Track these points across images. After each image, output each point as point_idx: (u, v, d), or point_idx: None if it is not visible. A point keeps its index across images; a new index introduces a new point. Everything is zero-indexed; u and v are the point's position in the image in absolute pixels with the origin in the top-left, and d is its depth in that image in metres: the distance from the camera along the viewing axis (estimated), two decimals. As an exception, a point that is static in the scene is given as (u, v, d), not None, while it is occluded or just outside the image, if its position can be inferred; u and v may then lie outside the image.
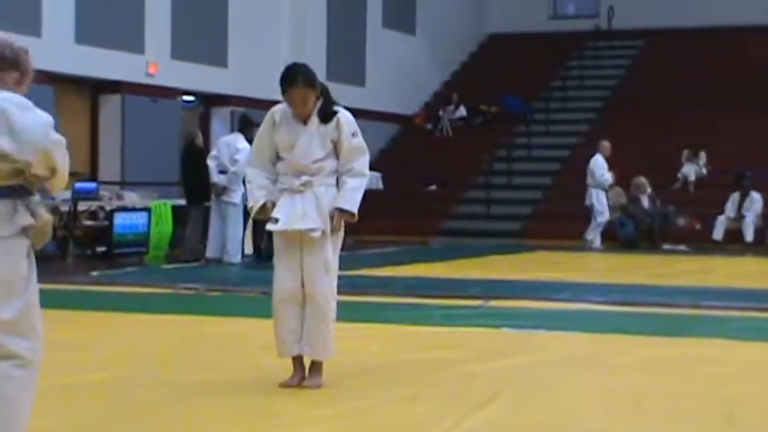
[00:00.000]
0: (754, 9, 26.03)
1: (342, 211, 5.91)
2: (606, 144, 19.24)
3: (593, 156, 19.20)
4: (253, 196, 6.05)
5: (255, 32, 20.77)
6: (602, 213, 19.09)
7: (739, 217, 19.32)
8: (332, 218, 5.89)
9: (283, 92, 5.90)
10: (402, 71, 25.44)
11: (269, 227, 5.94)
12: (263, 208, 5.96)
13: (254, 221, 6.42)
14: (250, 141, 14.27)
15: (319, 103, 5.93)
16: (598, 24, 27.57)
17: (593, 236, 19.09)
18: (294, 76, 5.87)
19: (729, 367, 6.92)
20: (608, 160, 19.09)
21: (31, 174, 3.90)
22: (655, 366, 6.94)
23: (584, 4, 29.48)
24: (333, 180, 5.96)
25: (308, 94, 5.86)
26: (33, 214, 3.95)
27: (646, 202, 19.90)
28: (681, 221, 20.15)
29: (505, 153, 23.60)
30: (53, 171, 3.92)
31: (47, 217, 3.99)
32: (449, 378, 6.41)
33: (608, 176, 19.12)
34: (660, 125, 23.20)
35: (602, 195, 19.11)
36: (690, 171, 21.29)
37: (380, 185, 22.68)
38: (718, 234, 19.29)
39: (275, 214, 5.91)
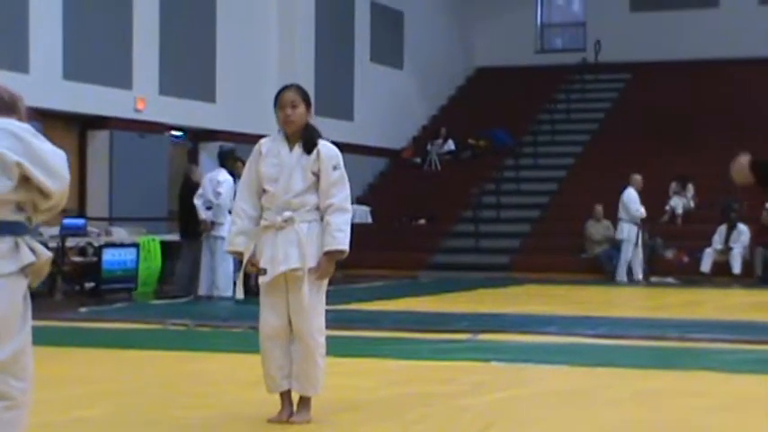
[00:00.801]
0: (740, 41, 26.22)
1: (330, 253, 5.91)
2: (638, 177, 19.27)
3: (624, 189, 19.21)
4: (231, 241, 6.10)
5: (243, 67, 20.84)
6: (629, 249, 19.04)
7: (727, 249, 19.39)
8: (320, 265, 5.88)
9: (276, 101, 5.98)
10: (390, 105, 25.53)
11: (260, 281, 5.95)
12: (251, 262, 5.96)
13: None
14: (231, 173, 14.41)
15: (305, 123, 5.96)
16: (585, 58, 27.74)
17: (621, 271, 19.07)
18: (288, 85, 6.09)
19: (717, 399, 6.93)
20: (640, 193, 19.14)
21: (38, 208, 3.88)
22: (643, 399, 6.94)
23: (571, 38, 29.67)
24: (315, 216, 5.94)
25: (297, 100, 5.94)
26: (33, 251, 3.91)
27: (634, 234, 19.94)
28: (669, 254, 20.21)
29: (494, 187, 23.67)
30: (57, 204, 3.92)
31: (47, 254, 3.95)
32: (438, 413, 6.41)
33: (642, 210, 19.15)
34: (647, 158, 23.29)
35: (634, 230, 19.08)
36: (678, 203, 21.36)
37: (369, 219, 22.72)
38: (705, 266, 19.36)
39: (262, 265, 5.93)
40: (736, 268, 19.09)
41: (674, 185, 21.68)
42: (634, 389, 7.33)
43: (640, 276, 19.12)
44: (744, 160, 4.04)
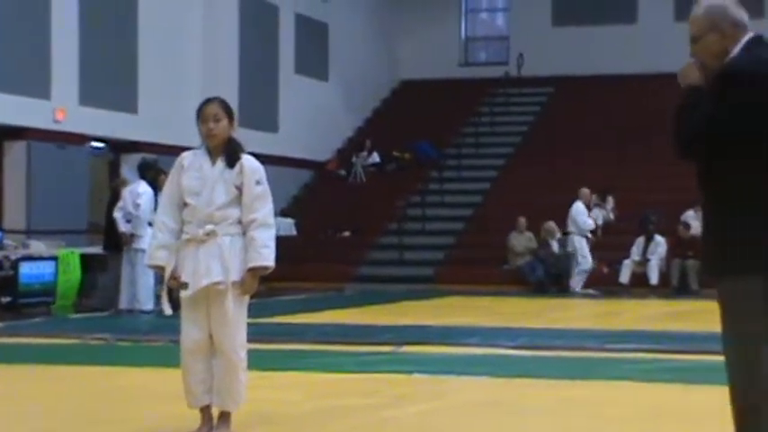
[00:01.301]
0: (658, 56, 26.65)
1: (255, 269, 5.88)
2: (586, 191, 19.60)
3: (573, 202, 19.46)
4: (152, 255, 6.04)
5: (166, 78, 20.67)
6: (586, 259, 19.29)
7: (644, 260, 19.69)
8: (244, 281, 5.85)
9: (198, 115, 5.95)
10: (315, 117, 25.52)
11: (182, 295, 5.90)
12: (173, 277, 5.92)
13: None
14: (153, 186, 14.30)
15: (228, 137, 5.93)
16: (508, 71, 28.00)
17: (578, 282, 19.27)
18: (211, 98, 6.05)
19: (633, 409, 7.04)
20: (587, 206, 19.41)
21: None
22: (562, 409, 7.03)
23: (495, 52, 29.94)
24: (238, 229, 5.90)
25: (220, 113, 5.91)
26: None
27: (555, 246, 20.18)
28: (589, 265, 20.45)
29: (418, 199, 23.77)
30: None
31: None
32: (361, 425, 6.42)
33: (590, 222, 19.43)
34: (569, 170, 23.58)
35: (584, 242, 19.32)
36: (598, 215, 21.62)
37: (294, 232, 22.66)
38: (624, 277, 19.64)
39: (184, 278, 5.88)
40: (654, 279, 19.41)
41: (594, 198, 21.93)
42: (554, 399, 7.42)
43: (578, 288, 19.39)
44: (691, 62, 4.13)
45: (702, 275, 19.16)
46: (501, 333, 11.73)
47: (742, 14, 4.09)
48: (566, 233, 19.68)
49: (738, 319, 3.92)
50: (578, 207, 19.42)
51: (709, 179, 4.00)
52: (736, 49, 4.01)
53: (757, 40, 4.05)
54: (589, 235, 19.59)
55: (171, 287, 6.05)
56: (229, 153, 5.94)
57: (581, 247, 19.38)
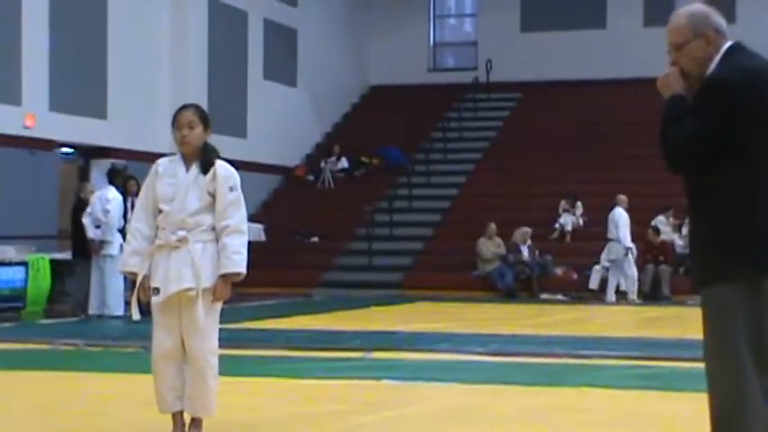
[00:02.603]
0: (627, 62, 26.85)
1: (227, 276, 5.90)
2: (624, 197, 19.16)
3: (612, 208, 19.00)
4: (125, 261, 6.08)
5: (135, 83, 20.64)
6: (632, 266, 18.91)
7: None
8: (215, 288, 5.88)
9: (173, 121, 5.99)
10: (284, 123, 25.54)
11: (153, 300, 5.92)
12: (143, 286, 5.93)
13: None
14: (122, 192, 14.30)
15: (203, 143, 5.97)
16: (477, 77, 28.11)
17: (633, 292, 19.00)
18: (187, 105, 6.11)
19: (602, 415, 7.11)
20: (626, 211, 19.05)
21: None
22: (531, 416, 7.09)
23: (464, 57, 30.03)
24: (211, 236, 5.92)
25: (194, 121, 5.95)
26: None
27: (526, 252, 20.29)
28: (558, 271, 20.58)
29: (387, 204, 23.82)
30: None
31: None
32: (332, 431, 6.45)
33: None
34: (537, 176, 23.72)
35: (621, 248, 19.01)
36: (567, 221, 21.75)
37: (262, 237, 22.66)
38: (593, 283, 19.73)
39: (154, 284, 5.91)
40: (623, 285, 19.49)
41: (563, 203, 22.07)
42: (523, 405, 7.48)
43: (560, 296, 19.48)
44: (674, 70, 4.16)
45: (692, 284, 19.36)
46: (470, 339, 11.80)
47: (722, 21, 4.13)
48: (608, 239, 19.29)
49: (716, 328, 3.96)
50: (621, 213, 18.94)
51: (695, 191, 4.04)
52: (717, 57, 4.05)
53: (737, 47, 4.09)
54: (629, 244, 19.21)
55: (140, 300, 6.06)
56: (204, 159, 5.98)
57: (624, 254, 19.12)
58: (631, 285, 19.05)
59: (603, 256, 19.72)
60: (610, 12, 28.27)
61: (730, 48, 4.07)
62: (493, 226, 20.68)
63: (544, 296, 19.69)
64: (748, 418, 3.89)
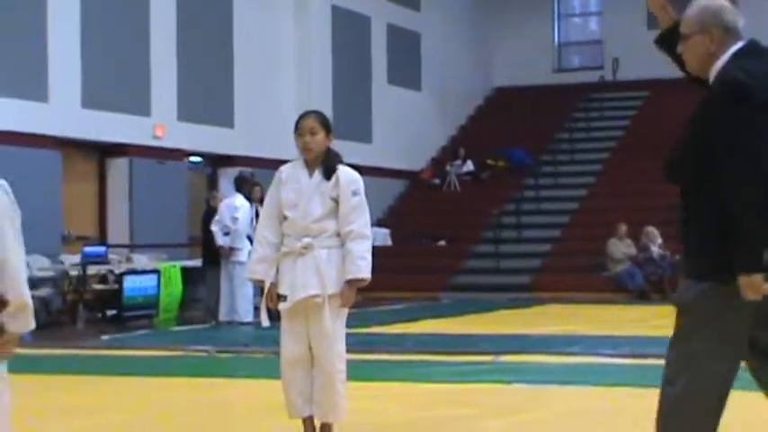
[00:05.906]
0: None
1: (352, 281, 5.88)
2: None
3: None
4: (251, 269, 6.11)
5: (261, 92, 20.90)
6: None
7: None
8: (342, 293, 5.86)
9: (295, 128, 6.00)
10: (408, 127, 25.56)
11: (280, 307, 5.93)
12: (271, 293, 5.95)
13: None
14: (248, 199, 14.46)
15: (325, 149, 5.95)
16: (603, 76, 27.71)
17: None
18: (308, 111, 6.12)
19: (731, 418, 6.85)
20: None
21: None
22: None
23: (589, 57, 29.63)
24: (336, 242, 5.91)
25: (316, 127, 5.95)
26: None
27: (656, 251, 19.87)
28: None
29: (514, 207, 23.63)
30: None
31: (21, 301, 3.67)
32: (460, 436, 6.37)
33: None
34: (667, 175, 23.23)
35: None
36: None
37: (389, 242, 22.70)
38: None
39: (281, 291, 5.92)
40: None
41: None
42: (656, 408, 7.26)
43: None
44: None
45: None
46: (602, 341, 11.56)
47: (737, 19, 3.84)
48: None
49: (680, 329, 3.90)
50: None
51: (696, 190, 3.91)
52: (725, 57, 3.80)
53: (748, 49, 3.79)
54: None
55: (269, 307, 6.08)
56: (326, 165, 5.97)
57: None
58: None
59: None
60: (741, 7, 27.50)
61: (740, 49, 3.79)
62: (623, 227, 20.31)
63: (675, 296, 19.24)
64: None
